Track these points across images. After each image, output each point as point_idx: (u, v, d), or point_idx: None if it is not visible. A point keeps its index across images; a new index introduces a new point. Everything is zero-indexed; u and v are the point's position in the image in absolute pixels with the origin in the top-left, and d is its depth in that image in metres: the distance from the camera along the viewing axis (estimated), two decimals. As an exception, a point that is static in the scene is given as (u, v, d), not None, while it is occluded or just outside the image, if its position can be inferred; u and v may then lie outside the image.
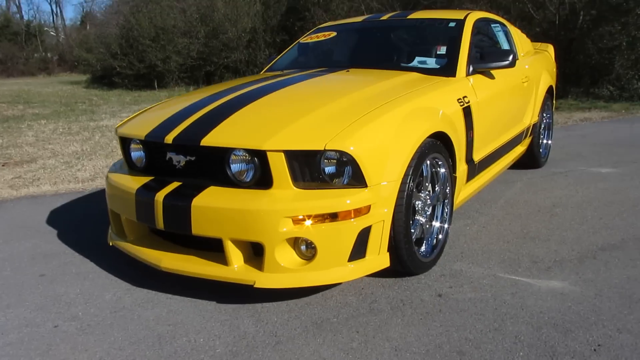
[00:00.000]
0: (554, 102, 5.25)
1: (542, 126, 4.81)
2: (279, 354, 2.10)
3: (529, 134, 4.39)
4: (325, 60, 4.00)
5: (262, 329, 2.29)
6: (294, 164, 2.30)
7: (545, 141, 4.96)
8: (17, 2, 40.30)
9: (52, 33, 39.32)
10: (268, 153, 2.27)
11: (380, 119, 2.45)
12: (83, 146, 7.05)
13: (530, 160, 4.70)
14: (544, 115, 4.82)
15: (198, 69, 15.74)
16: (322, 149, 2.24)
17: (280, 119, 2.47)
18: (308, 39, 4.14)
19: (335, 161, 2.32)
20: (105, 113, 10.55)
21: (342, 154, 2.27)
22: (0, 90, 18.08)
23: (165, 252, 2.58)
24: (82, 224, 3.80)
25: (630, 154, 5.33)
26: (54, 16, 43.55)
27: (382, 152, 2.37)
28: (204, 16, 15.07)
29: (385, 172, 2.36)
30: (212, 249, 2.46)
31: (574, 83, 10.47)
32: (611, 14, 10.04)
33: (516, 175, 4.60)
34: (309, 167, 2.32)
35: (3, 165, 6.15)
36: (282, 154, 2.27)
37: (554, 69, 5.19)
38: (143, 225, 2.78)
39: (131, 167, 2.86)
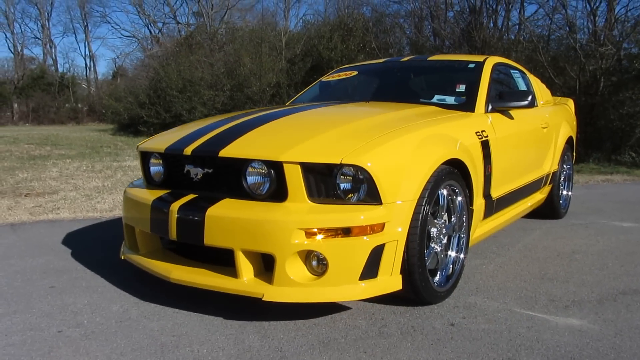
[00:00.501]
0: (574, 154, 5.23)
1: (562, 177, 4.77)
2: (284, 367, 2.04)
3: (548, 182, 4.36)
4: (345, 96, 4.08)
5: (267, 344, 2.22)
6: (310, 178, 2.31)
7: (565, 192, 4.91)
8: (53, 56, 42.18)
9: (83, 85, 40.91)
10: (285, 165, 2.29)
11: (398, 139, 2.47)
12: (105, 182, 7.17)
13: (550, 211, 4.63)
14: (564, 166, 4.80)
15: (222, 118, 16.08)
16: (339, 162, 2.25)
17: (298, 134, 2.51)
18: (330, 77, 4.25)
19: (351, 178, 2.33)
20: (128, 156, 10.77)
21: (358, 169, 2.28)
22: (30, 134, 18.68)
23: (175, 265, 2.57)
24: (96, 245, 3.81)
25: (652, 211, 5.23)
26: (87, 70, 45.41)
27: (399, 172, 2.37)
28: (230, 70, 15.60)
29: (401, 191, 2.35)
30: (223, 263, 2.44)
31: (595, 147, 10.44)
32: (631, 81, 10.13)
33: (535, 224, 4.53)
34: (325, 182, 2.32)
35: (26, 196, 6.27)
36: (299, 166, 2.28)
37: (574, 122, 5.21)
38: (156, 239, 2.79)
39: (149, 182, 2.90)
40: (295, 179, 2.30)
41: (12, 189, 6.61)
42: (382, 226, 2.29)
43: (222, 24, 21.59)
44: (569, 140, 4.80)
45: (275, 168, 2.34)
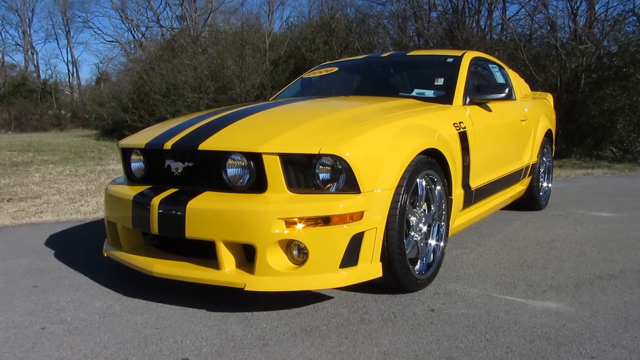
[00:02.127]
0: (554, 147, 5.31)
1: (542, 169, 4.85)
2: (266, 354, 2.06)
3: (528, 174, 4.43)
4: (326, 92, 4.11)
5: (250, 333, 2.25)
6: (289, 168, 2.34)
7: (545, 184, 4.99)
8: (35, 62, 41.79)
9: (66, 92, 40.55)
10: (263, 156, 2.32)
11: (376, 129, 2.51)
12: (88, 186, 7.13)
13: (530, 202, 4.71)
14: (544, 159, 4.88)
15: (207, 123, 16.09)
16: (317, 152, 2.29)
17: (277, 127, 2.54)
18: (311, 74, 4.29)
19: (329, 168, 2.36)
20: (112, 160, 10.71)
21: (336, 159, 2.31)
22: (12, 141, 18.48)
23: (157, 259, 2.58)
24: (79, 245, 3.80)
25: (631, 202, 5.33)
26: (70, 76, 45.09)
27: (377, 161, 2.41)
28: (214, 73, 15.58)
29: (379, 180, 2.39)
30: (206, 256, 2.46)
31: (577, 143, 10.58)
32: (611, 78, 10.30)
33: (515, 215, 4.60)
34: (304, 173, 2.35)
35: (8, 201, 6.21)
36: (278, 157, 2.31)
37: (553, 116, 5.30)
38: (138, 235, 2.80)
39: (130, 179, 2.91)
40: (274, 170, 2.33)
41: (-6, 195, 6.55)
42: (361, 214, 2.32)
43: (205, 27, 21.56)
44: (548, 133, 4.88)
45: (255, 159, 2.37)
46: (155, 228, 2.48)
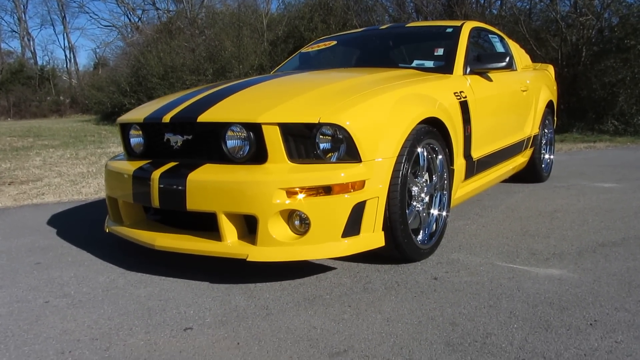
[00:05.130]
0: (555, 119, 5.28)
1: (544, 141, 4.83)
2: (269, 323, 2.06)
3: (530, 145, 4.40)
4: (325, 65, 4.07)
5: (253, 303, 2.25)
6: (289, 139, 2.32)
7: (547, 156, 4.96)
8: (32, 48, 41.51)
9: (64, 77, 40.34)
10: (263, 127, 2.30)
11: (376, 98, 2.49)
12: (89, 168, 7.12)
13: (532, 174, 4.69)
14: (545, 130, 4.85)
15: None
16: (317, 122, 2.27)
17: (277, 97, 2.52)
18: (309, 48, 4.24)
19: (330, 137, 2.34)
20: (113, 143, 10.69)
21: (336, 128, 2.29)
22: (12, 127, 18.43)
23: (159, 233, 2.58)
24: (81, 224, 3.81)
25: (633, 173, 5.30)
26: (68, 61, 44.84)
27: (377, 129, 2.39)
28: (212, 55, 15.47)
29: (380, 148, 2.37)
30: (208, 229, 2.46)
31: (578, 117, 10.52)
32: (612, 51, 10.20)
33: (518, 187, 4.58)
34: (304, 143, 2.33)
35: (9, 184, 6.21)
36: (277, 127, 2.29)
37: (554, 87, 5.25)
38: (139, 210, 2.80)
39: (130, 155, 2.89)
40: (274, 140, 2.31)
41: (-5, 179, 6.55)
42: (362, 183, 2.31)
43: (202, 9, 21.34)
44: (550, 104, 4.84)
45: (254, 130, 2.34)
46: (156, 202, 2.47)
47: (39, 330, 2.06)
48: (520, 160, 4.34)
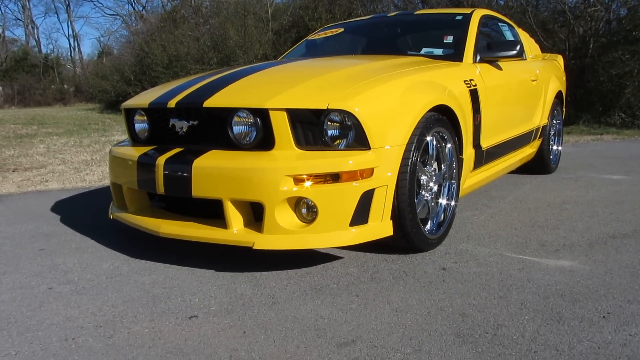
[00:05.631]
0: (564, 110, 5.21)
1: (552, 132, 4.77)
2: (275, 312, 2.03)
3: (538, 136, 4.35)
4: (332, 52, 4.01)
5: (259, 292, 2.22)
6: (297, 125, 2.28)
7: (555, 147, 4.90)
8: (36, 37, 41.41)
9: (69, 66, 40.27)
10: (270, 112, 2.25)
11: (386, 84, 2.44)
12: (93, 156, 7.10)
13: (540, 165, 4.64)
14: (554, 121, 4.78)
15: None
16: (325, 107, 2.22)
17: (284, 83, 2.47)
18: (316, 35, 4.18)
19: (338, 124, 2.30)
20: (117, 131, 10.66)
21: (345, 114, 2.25)
22: (16, 115, 18.40)
23: (164, 220, 2.54)
24: (85, 210, 3.78)
25: (642, 165, 5.25)
26: (72, 50, 44.71)
27: (386, 117, 2.34)
28: (216, 44, 15.37)
29: (389, 136, 2.32)
30: (213, 216, 2.42)
31: (585, 109, 10.43)
32: (620, 43, 10.09)
33: (526, 179, 4.53)
34: (312, 129, 2.29)
35: (13, 171, 6.18)
36: (285, 113, 2.24)
37: (563, 77, 5.18)
38: (144, 197, 2.76)
39: (135, 140, 2.85)
40: (281, 127, 2.26)
41: (-1, 166, 6.53)
42: (371, 171, 2.26)
43: (206, -2, 21.18)
44: (559, 95, 4.78)
45: (261, 116, 2.30)
46: (161, 188, 2.43)
47: (42, 317, 2.03)
48: (528, 151, 4.28)
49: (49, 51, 40.83)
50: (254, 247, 2.25)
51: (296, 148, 2.28)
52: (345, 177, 2.22)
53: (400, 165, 2.37)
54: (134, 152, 2.64)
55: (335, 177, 2.21)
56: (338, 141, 2.30)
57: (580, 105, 10.41)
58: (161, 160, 2.43)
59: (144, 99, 2.75)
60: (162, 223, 2.51)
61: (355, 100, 2.26)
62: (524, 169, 4.55)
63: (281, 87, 2.38)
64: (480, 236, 2.93)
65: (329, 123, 2.29)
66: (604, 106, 10.41)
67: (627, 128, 9.44)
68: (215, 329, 1.90)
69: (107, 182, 5.07)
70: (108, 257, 2.72)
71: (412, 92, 2.51)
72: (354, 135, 2.28)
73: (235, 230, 2.31)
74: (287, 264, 2.50)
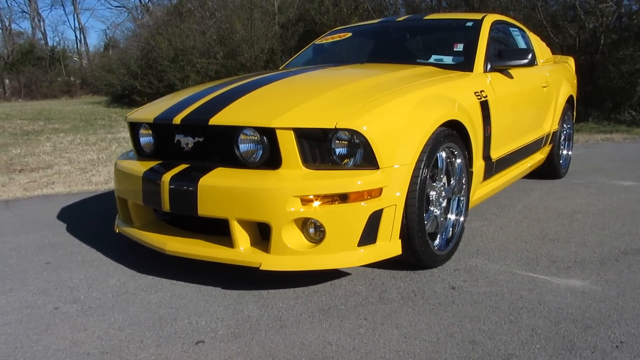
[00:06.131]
0: (574, 113, 5.14)
1: (563, 137, 4.70)
2: (283, 337, 2.00)
3: (548, 142, 4.29)
4: (340, 59, 3.96)
5: (266, 314, 2.19)
6: (304, 143, 2.24)
7: (565, 152, 4.84)
8: (42, 29, 41.41)
9: (75, 58, 40.26)
10: (277, 131, 2.21)
11: (394, 101, 2.39)
12: (99, 155, 7.09)
13: (550, 171, 4.58)
14: (565, 125, 4.72)
15: (217, 88, 15.97)
16: (333, 127, 2.18)
17: (291, 99, 2.43)
18: (323, 40, 4.13)
19: (346, 142, 2.26)
20: (123, 127, 10.64)
21: (353, 133, 2.21)
22: (23, 109, 18.43)
23: (170, 236, 2.52)
24: (91, 218, 3.76)
25: (653, 169, 5.17)
26: (78, 42, 44.73)
27: (395, 135, 2.30)
28: (222, 38, 15.28)
29: (398, 155, 2.28)
30: (219, 233, 2.40)
31: (595, 106, 10.32)
32: (631, 39, 9.95)
33: (535, 184, 4.48)
34: (319, 148, 2.25)
35: (19, 172, 6.19)
36: (292, 132, 2.21)
37: (575, 80, 5.10)
38: (149, 211, 2.74)
39: (140, 154, 2.83)
40: (288, 145, 2.23)
41: (6, 166, 6.53)
42: (379, 191, 2.23)
43: (212, -9, 21.06)
44: (570, 99, 4.70)
45: (268, 135, 2.26)
46: (166, 206, 2.41)
47: (48, 342, 2.02)
48: (538, 157, 4.23)
49: (55, 44, 40.90)
50: (260, 268, 2.22)
51: (303, 167, 2.24)
52: (354, 197, 2.18)
53: (410, 184, 2.33)
54: (139, 167, 2.61)
55: (343, 198, 2.18)
56: (346, 160, 2.26)
57: (590, 102, 10.29)
58: (167, 177, 2.40)
59: (149, 113, 2.72)
60: (168, 240, 2.48)
61: (363, 118, 2.22)
62: (534, 174, 4.49)
63: (288, 104, 2.35)
64: (490, 250, 2.89)
65: (337, 142, 2.25)
66: (614, 103, 10.29)
67: (637, 126, 9.33)
68: (222, 356, 1.88)
69: (112, 184, 5.05)
70: (114, 272, 2.71)
71: (422, 107, 2.47)
72: (362, 154, 2.24)
73: (242, 249, 2.29)
74: (295, 280, 2.47)
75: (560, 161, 4.68)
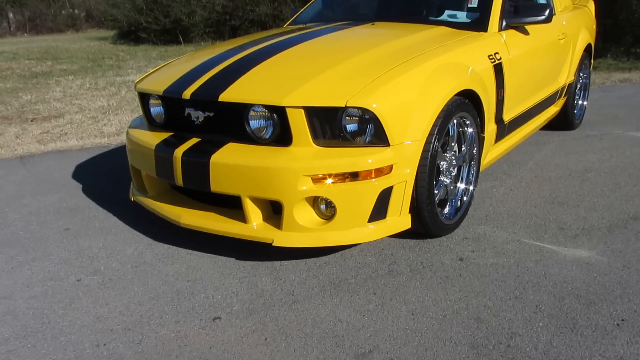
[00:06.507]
0: (592, 61, 5.00)
1: (578, 86, 4.60)
2: (295, 313, 2.09)
3: (563, 94, 4.21)
4: (350, 13, 3.84)
5: (279, 287, 2.28)
6: (314, 120, 2.24)
7: (580, 102, 4.75)
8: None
9: (79, -11, 39.11)
10: (287, 109, 2.21)
11: (405, 74, 2.35)
12: (109, 101, 7.08)
13: (564, 122, 4.52)
14: (581, 74, 4.60)
15: (223, 23, 15.56)
16: (344, 105, 2.17)
17: (300, 73, 2.40)
18: (333, -10, 3.98)
19: (357, 118, 2.25)
20: (131, 68, 10.53)
21: (364, 111, 2.20)
22: (29, 47, 18.20)
23: (185, 209, 2.58)
24: (106, 178, 3.83)
25: (670, 117, 5.08)
26: (82, -29, 43.21)
27: (406, 110, 2.28)
28: (229, -30, 14.76)
29: (409, 131, 2.28)
30: (232, 205, 2.44)
31: (614, 41, 9.98)
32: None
33: (548, 137, 4.44)
34: (330, 124, 2.25)
35: (32, 121, 6.23)
36: (302, 110, 2.20)
37: (594, 26, 4.92)
38: (163, 181, 2.78)
39: (151, 123, 2.83)
40: (299, 123, 2.22)
41: (18, 114, 6.57)
42: (390, 168, 2.24)
43: None
44: (588, 48, 4.56)
45: (278, 112, 2.26)
46: (179, 180, 2.45)
47: (73, 317, 2.13)
48: (552, 111, 4.16)
49: (57, -27, 39.57)
50: (273, 244, 2.28)
51: (314, 144, 2.25)
52: (364, 175, 2.20)
53: (420, 158, 2.34)
54: (151, 139, 2.63)
55: (354, 176, 2.20)
56: (357, 137, 2.26)
57: (609, 37, 9.95)
58: (179, 152, 2.42)
59: (158, 83, 2.69)
60: (183, 213, 2.54)
61: (374, 96, 2.20)
62: (547, 125, 4.43)
63: (298, 80, 2.32)
64: (499, 215, 2.92)
65: (347, 118, 2.24)
66: (635, 37, 9.94)
67: (657, 63, 9.06)
68: (238, 334, 1.98)
69: (124, 136, 5.09)
70: (131, 239, 2.79)
71: (434, 79, 2.43)
72: (373, 130, 2.24)
73: (255, 225, 2.34)
74: (307, 252, 2.53)
75: (575, 111, 4.61)
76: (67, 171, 4.04)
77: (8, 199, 3.50)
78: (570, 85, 4.26)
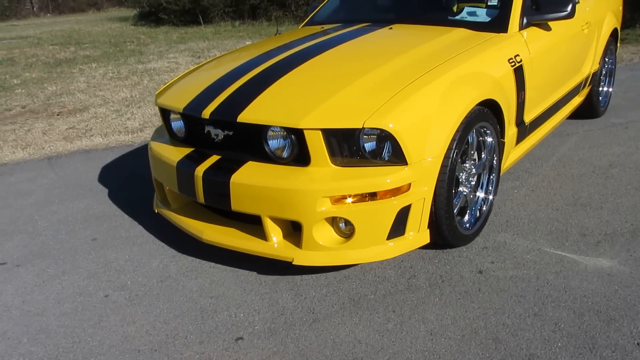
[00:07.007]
0: (618, 44, 4.85)
1: (603, 72, 4.48)
2: (315, 333, 2.14)
3: (587, 84, 4.11)
4: (368, 11, 3.79)
5: (300, 305, 2.33)
6: (332, 140, 2.25)
7: (605, 89, 4.64)
8: None
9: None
10: (305, 131, 2.22)
11: (423, 90, 2.33)
12: (132, 92, 7.16)
13: (588, 110, 4.42)
14: (606, 60, 4.48)
15: (242, 2, 15.50)
16: (361, 127, 2.17)
17: (317, 91, 2.40)
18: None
19: (375, 137, 2.25)
20: (152, 54, 10.58)
21: (381, 130, 2.20)
22: (53, 30, 18.40)
23: (207, 224, 2.63)
24: (131, 182, 3.91)
25: (701, 100, 4.93)
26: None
27: (425, 127, 2.27)
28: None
29: (427, 148, 2.27)
30: (253, 221, 2.48)
31: (644, 11, 9.61)
32: None
33: (572, 127, 4.36)
34: (348, 144, 2.26)
35: (58, 115, 6.36)
36: (320, 132, 2.21)
37: (620, 7, 4.76)
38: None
39: (172, 137, 2.87)
40: (317, 144, 2.24)
41: (44, 107, 6.72)
42: (408, 186, 2.25)
43: None
44: (613, 33, 4.42)
45: (296, 134, 2.27)
46: (201, 198, 2.49)
47: (102, 336, 2.22)
48: (576, 102, 4.08)
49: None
50: (293, 263, 2.33)
51: (332, 164, 2.27)
52: (383, 194, 2.22)
53: (439, 174, 2.34)
54: (173, 155, 2.67)
55: (372, 196, 2.21)
56: (375, 155, 2.26)
57: (638, 5, 9.57)
58: (200, 171, 2.46)
59: (178, 100, 2.72)
60: (205, 228, 2.60)
61: (391, 115, 2.19)
62: (571, 114, 4.35)
63: (315, 99, 2.32)
64: (520, 221, 2.91)
65: (365, 137, 2.24)
66: (667, 6, 9.54)
67: (690, 34, 8.72)
68: (260, 356, 2.04)
69: (148, 132, 5.17)
70: (156, 251, 2.87)
71: (452, 91, 2.40)
72: (390, 149, 2.24)
73: (275, 243, 2.38)
74: (326, 267, 2.56)
75: (600, 98, 4.50)
76: (93, 174, 4.13)
77: (38, 205, 3.62)
78: (594, 74, 4.15)
